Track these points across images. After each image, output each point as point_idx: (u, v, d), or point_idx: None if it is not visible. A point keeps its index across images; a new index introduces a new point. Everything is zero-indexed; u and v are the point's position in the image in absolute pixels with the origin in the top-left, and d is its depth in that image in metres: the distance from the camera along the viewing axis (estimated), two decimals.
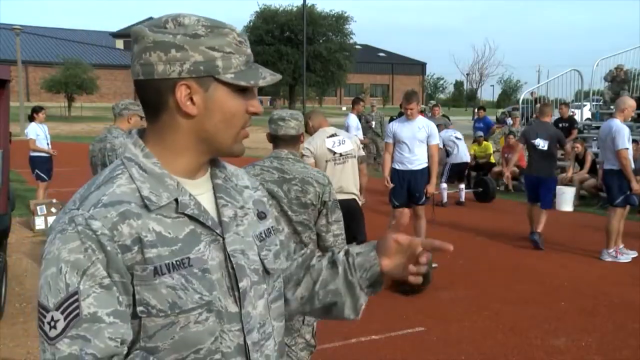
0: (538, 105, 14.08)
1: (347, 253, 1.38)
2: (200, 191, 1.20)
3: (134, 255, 1.08)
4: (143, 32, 1.12)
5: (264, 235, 1.29)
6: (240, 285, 1.18)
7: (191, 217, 1.15)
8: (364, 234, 4.94)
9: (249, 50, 1.18)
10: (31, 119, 9.57)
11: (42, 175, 9.40)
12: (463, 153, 11.00)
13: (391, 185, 6.55)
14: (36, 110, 9.59)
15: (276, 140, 3.06)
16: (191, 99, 1.13)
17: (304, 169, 3.02)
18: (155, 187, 1.13)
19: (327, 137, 4.91)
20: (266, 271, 1.26)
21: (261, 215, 1.32)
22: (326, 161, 4.84)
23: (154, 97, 1.14)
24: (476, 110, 15.01)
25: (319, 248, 3.13)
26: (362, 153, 5.23)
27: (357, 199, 5.00)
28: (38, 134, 9.34)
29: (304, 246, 3.03)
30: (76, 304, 1.03)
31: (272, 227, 1.34)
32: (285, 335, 3.40)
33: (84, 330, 1.03)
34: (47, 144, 9.49)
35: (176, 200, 1.14)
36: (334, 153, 4.86)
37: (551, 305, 5.50)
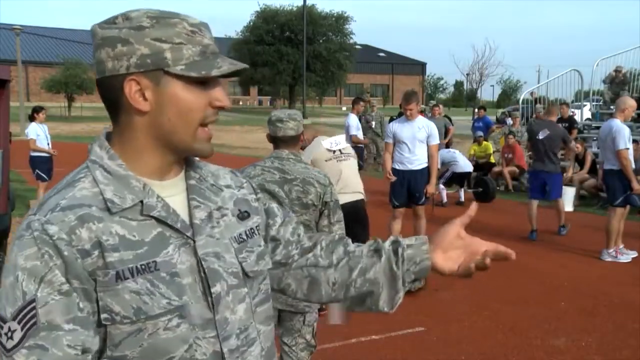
0: (538, 105, 14.21)
1: (394, 243, 1.33)
2: (171, 193, 1.15)
3: (95, 260, 1.03)
4: (94, 30, 1.09)
5: (244, 237, 1.23)
6: (213, 290, 1.13)
7: (158, 220, 1.10)
8: (367, 237, 4.95)
9: (206, 40, 1.11)
10: (32, 118, 9.58)
11: (43, 175, 9.42)
12: (464, 163, 11.10)
13: (394, 178, 6.53)
14: (37, 110, 9.60)
15: (276, 141, 3.07)
16: (143, 95, 1.08)
17: (305, 170, 3.03)
18: (119, 189, 1.08)
19: (323, 141, 4.93)
20: (246, 274, 1.20)
21: (243, 215, 1.25)
22: (326, 160, 4.83)
23: (109, 96, 1.10)
24: (476, 110, 15.03)
25: None
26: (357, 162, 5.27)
27: (364, 199, 5.00)
28: (38, 134, 9.35)
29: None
30: (33, 312, 0.99)
31: (256, 226, 1.27)
32: (285, 335, 3.41)
33: (41, 339, 0.99)
34: (48, 144, 9.51)
35: (141, 202, 1.09)
36: (334, 151, 4.87)
37: (551, 305, 5.50)
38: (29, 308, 0.99)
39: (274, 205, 1.39)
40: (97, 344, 1.04)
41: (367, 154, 13.70)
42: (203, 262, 1.13)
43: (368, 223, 5.08)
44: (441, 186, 10.69)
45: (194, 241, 1.13)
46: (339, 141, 4.95)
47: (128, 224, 1.07)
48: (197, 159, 1.23)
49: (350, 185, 4.84)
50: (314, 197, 2.97)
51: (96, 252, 1.04)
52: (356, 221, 4.55)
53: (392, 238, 1.36)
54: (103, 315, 1.04)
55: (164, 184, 1.15)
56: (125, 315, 1.04)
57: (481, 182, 11.69)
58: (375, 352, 4.46)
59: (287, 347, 3.09)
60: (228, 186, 1.27)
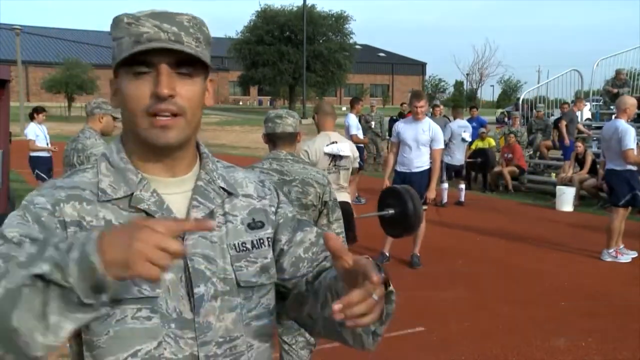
0: (539, 105, 14.42)
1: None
2: (174, 190, 1.17)
3: (72, 235, 1.07)
4: None
5: (248, 246, 1.20)
6: (196, 290, 1.12)
7: (147, 213, 1.12)
8: (354, 230, 4.92)
9: (143, 29, 1.09)
10: (32, 117, 9.60)
11: (43, 175, 9.41)
12: (459, 156, 10.85)
13: (387, 184, 6.52)
14: (37, 110, 9.61)
15: (273, 138, 3.05)
16: (116, 91, 1.16)
17: (304, 170, 3.02)
18: (117, 181, 1.14)
19: (327, 145, 4.79)
20: (239, 284, 1.17)
21: (255, 225, 1.23)
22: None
23: None
24: (469, 109, 15.11)
25: None
26: (357, 165, 5.08)
27: (347, 200, 4.96)
28: (37, 135, 9.36)
29: None
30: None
31: (267, 237, 1.24)
32: (285, 333, 3.40)
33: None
34: (47, 144, 9.51)
35: (132, 194, 1.13)
36: (330, 163, 4.78)
37: (551, 306, 5.49)
38: None
39: (299, 221, 1.31)
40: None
41: (366, 154, 13.69)
42: (189, 262, 1.12)
43: (353, 217, 5.02)
44: (445, 185, 10.63)
45: (183, 239, 1.12)
46: (341, 149, 4.81)
47: (119, 212, 1.12)
48: (216, 160, 1.27)
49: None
50: (313, 197, 2.96)
51: (72, 229, 1.08)
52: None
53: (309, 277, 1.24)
54: None
55: (171, 181, 1.18)
56: None
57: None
58: (375, 352, 4.45)
59: (287, 345, 3.09)
60: (248, 195, 1.26)
